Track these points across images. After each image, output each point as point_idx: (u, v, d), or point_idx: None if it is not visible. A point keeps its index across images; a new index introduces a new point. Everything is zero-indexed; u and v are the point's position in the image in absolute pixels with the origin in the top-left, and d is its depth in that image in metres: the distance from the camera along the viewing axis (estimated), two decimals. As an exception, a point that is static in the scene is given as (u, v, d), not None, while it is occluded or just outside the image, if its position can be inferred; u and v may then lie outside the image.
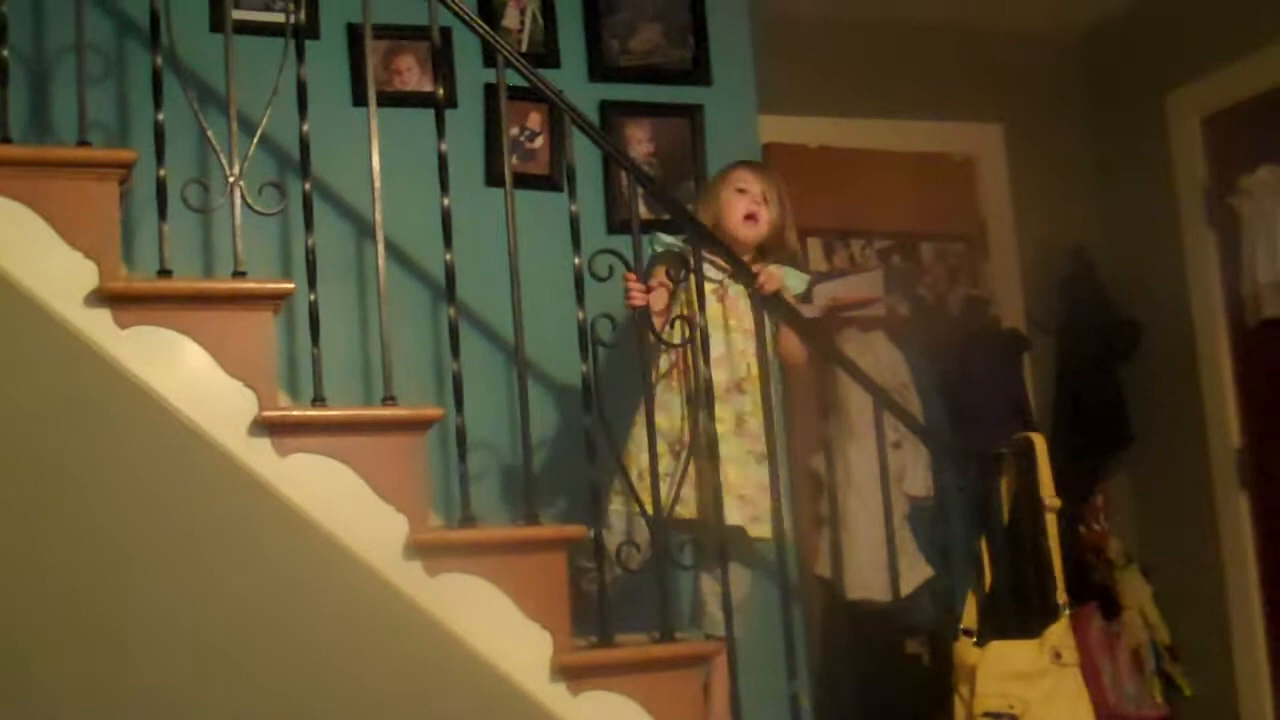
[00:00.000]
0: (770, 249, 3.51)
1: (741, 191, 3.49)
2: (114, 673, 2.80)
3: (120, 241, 2.85)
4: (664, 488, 3.11)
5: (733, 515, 3.28)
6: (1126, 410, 4.95)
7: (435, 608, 2.84)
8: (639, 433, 3.23)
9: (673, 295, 3.36)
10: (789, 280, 3.43)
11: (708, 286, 3.32)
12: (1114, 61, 5.16)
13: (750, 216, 3.47)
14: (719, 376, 3.28)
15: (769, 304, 3.33)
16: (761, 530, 3.32)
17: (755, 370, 3.32)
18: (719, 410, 3.25)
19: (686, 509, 3.25)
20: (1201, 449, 4.78)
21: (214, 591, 2.79)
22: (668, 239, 3.41)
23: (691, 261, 3.23)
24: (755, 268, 3.33)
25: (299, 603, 2.82)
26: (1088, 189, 5.17)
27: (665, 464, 3.20)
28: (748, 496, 3.30)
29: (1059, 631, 3.33)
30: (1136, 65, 5.06)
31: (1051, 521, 3.40)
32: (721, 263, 3.35)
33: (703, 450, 3.21)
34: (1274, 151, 4.47)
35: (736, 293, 3.40)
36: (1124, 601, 4.75)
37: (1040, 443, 3.47)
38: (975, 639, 3.38)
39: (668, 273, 3.34)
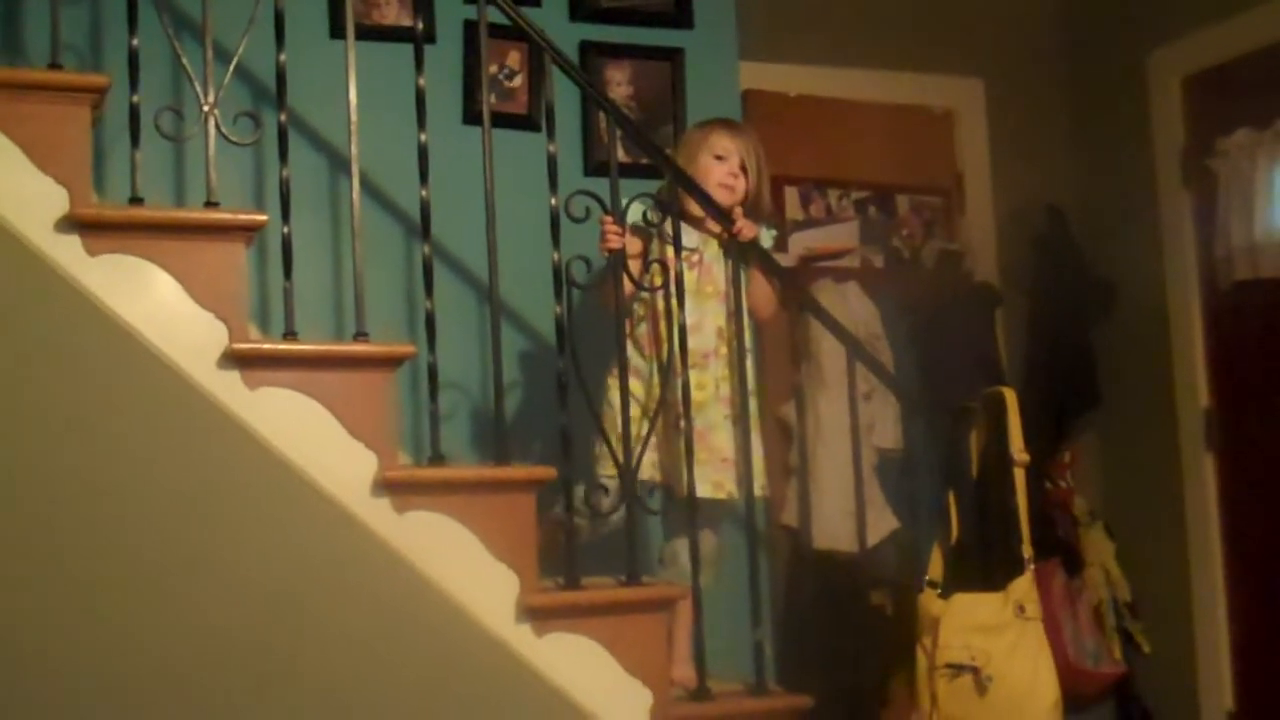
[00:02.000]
0: (745, 210, 3.48)
1: (720, 159, 3.44)
2: (75, 603, 2.78)
3: (92, 168, 2.82)
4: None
5: (716, 479, 3.30)
6: (1096, 368, 4.96)
7: (402, 545, 2.84)
8: (613, 395, 3.23)
9: (646, 250, 3.34)
10: (761, 238, 3.42)
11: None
12: (1096, 19, 5.14)
13: (726, 186, 3.43)
14: (694, 344, 3.28)
15: (743, 251, 3.32)
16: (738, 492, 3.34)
17: (728, 333, 3.32)
18: (699, 377, 3.27)
19: (662, 474, 3.30)
20: (1169, 409, 4.80)
21: (178, 523, 2.78)
22: (638, 211, 3.30)
23: (663, 237, 3.22)
24: (736, 213, 3.32)
25: (264, 536, 2.82)
26: (1066, 146, 5.16)
27: (641, 428, 3.21)
28: (731, 460, 3.31)
29: (1023, 586, 3.35)
30: (1119, 23, 5.04)
31: (1020, 477, 3.41)
32: (694, 230, 3.34)
33: (677, 413, 3.23)
34: (1253, 114, 4.46)
35: (711, 258, 3.38)
36: (1087, 558, 4.78)
37: (1011, 398, 3.48)
38: (940, 591, 3.40)
39: (645, 219, 3.32)
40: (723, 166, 3.43)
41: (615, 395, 3.24)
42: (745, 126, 3.59)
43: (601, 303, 3.26)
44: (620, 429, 3.14)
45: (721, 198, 3.38)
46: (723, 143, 3.45)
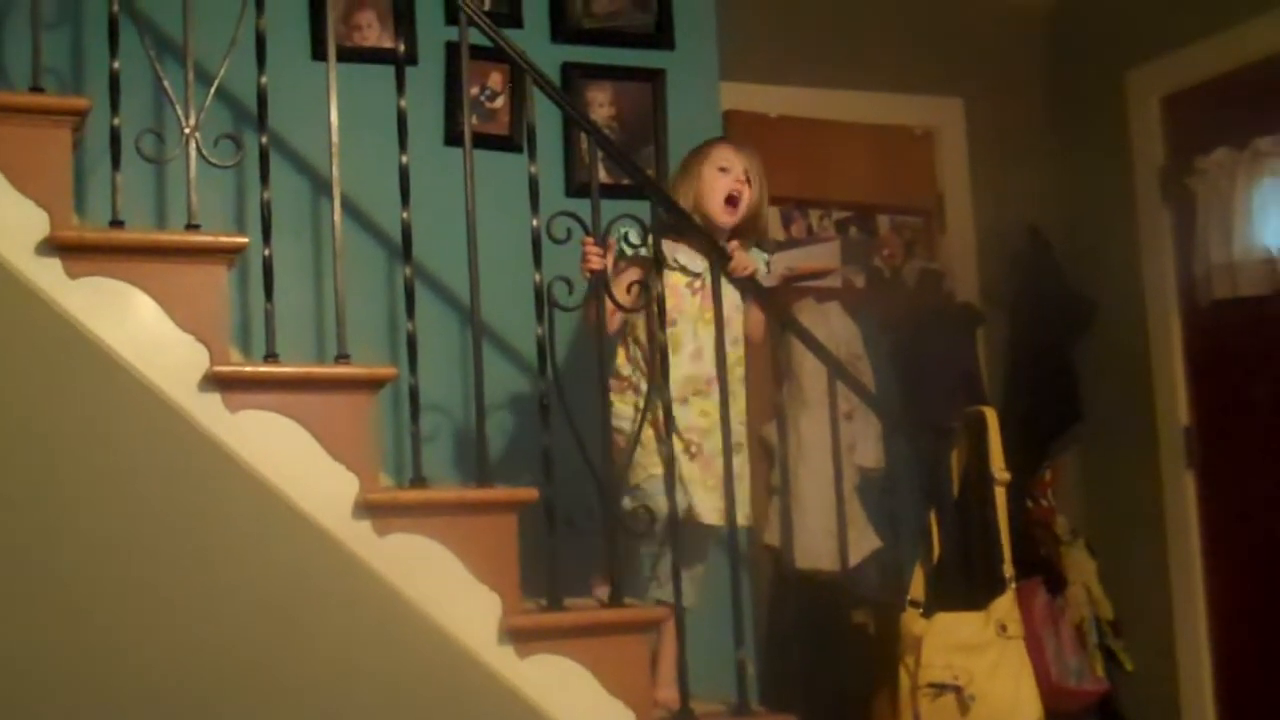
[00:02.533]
0: (744, 230, 3.47)
1: (724, 170, 3.42)
2: (57, 625, 2.77)
3: (73, 190, 2.82)
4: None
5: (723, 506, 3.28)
6: (1077, 387, 4.98)
7: (384, 568, 2.83)
8: (621, 422, 3.26)
9: (644, 278, 3.27)
10: (756, 259, 3.41)
11: (681, 280, 3.32)
12: (1076, 38, 5.17)
13: (732, 200, 3.40)
14: (698, 370, 3.27)
15: (740, 285, 3.32)
16: (742, 518, 3.34)
17: (733, 358, 3.30)
18: (703, 404, 3.27)
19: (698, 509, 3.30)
20: (1150, 427, 4.81)
21: (160, 546, 2.77)
22: (635, 241, 3.31)
23: (661, 261, 3.21)
24: (731, 248, 3.30)
25: (246, 560, 2.81)
26: (1046, 165, 5.17)
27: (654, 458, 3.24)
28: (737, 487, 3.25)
29: (1005, 604, 3.36)
30: (1098, 43, 5.07)
31: (1000, 495, 3.43)
32: (698, 254, 3.34)
33: (686, 439, 3.28)
34: (1232, 133, 4.48)
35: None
36: (1069, 576, 4.78)
37: (992, 417, 3.49)
38: (922, 610, 3.40)
39: (628, 241, 3.30)
40: (727, 178, 3.42)
41: (624, 422, 3.24)
42: (747, 142, 3.58)
43: (588, 325, 3.25)
44: (632, 451, 3.18)
45: (725, 216, 3.38)
46: (725, 155, 3.44)
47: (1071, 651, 4.67)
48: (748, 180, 3.43)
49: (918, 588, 3.46)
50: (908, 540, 3.67)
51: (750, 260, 3.33)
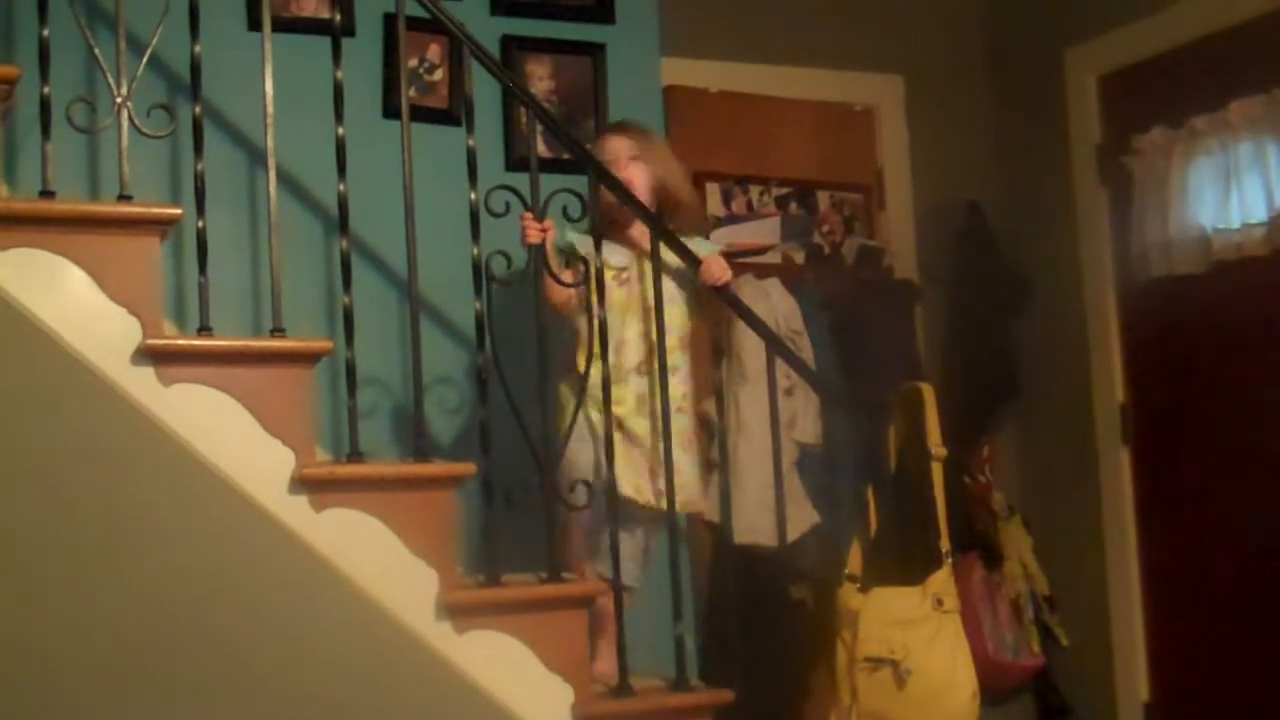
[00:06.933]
0: (666, 210, 3.42)
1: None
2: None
3: (2, 160, 2.77)
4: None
5: (637, 483, 3.28)
6: (1014, 363, 5.01)
7: (320, 543, 2.81)
8: (565, 400, 3.25)
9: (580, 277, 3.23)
10: (702, 250, 3.37)
11: (609, 274, 3.29)
12: (1015, 17, 5.19)
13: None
14: (619, 360, 3.26)
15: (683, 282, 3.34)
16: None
17: (659, 347, 3.28)
18: (617, 391, 3.23)
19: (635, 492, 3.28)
20: (1086, 404, 4.86)
21: (93, 522, 2.74)
22: (577, 237, 3.30)
23: (595, 264, 3.19)
24: (707, 262, 3.28)
25: (180, 536, 2.78)
26: (984, 143, 5.20)
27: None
28: (657, 472, 3.25)
29: (941, 579, 3.38)
30: (1036, 21, 5.09)
31: (937, 471, 3.44)
32: (620, 247, 3.33)
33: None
34: (1168, 112, 4.52)
35: (643, 271, 3.33)
36: (1005, 552, 4.82)
37: (929, 393, 3.51)
38: (859, 585, 3.42)
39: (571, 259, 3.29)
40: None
41: (569, 401, 3.23)
42: (626, 123, 3.54)
43: (546, 304, 3.21)
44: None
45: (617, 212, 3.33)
46: (602, 150, 3.38)
47: (1007, 626, 4.71)
48: (632, 160, 3.37)
49: (855, 563, 3.47)
50: (846, 515, 3.68)
51: (724, 271, 3.31)
